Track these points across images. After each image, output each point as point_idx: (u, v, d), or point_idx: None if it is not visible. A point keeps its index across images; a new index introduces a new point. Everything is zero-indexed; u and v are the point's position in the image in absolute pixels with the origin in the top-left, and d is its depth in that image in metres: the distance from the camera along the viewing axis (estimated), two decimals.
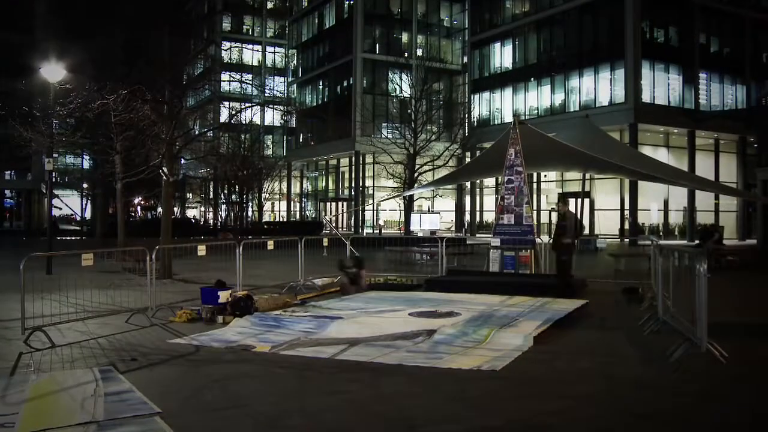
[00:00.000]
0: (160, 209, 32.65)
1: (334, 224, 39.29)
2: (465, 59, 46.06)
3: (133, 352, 6.44)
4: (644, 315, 8.37)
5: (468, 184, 40.03)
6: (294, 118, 43.06)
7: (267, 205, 51.98)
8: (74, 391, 5.13)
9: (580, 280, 11.84)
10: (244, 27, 59.02)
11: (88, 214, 37.09)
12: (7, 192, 50.00)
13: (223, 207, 48.09)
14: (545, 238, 16.99)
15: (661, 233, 32.17)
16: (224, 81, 24.01)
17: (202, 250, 10.21)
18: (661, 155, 31.56)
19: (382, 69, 45.10)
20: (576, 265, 14.85)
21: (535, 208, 31.59)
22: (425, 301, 10.00)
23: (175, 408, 4.68)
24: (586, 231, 27.64)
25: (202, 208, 57.98)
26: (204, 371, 5.78)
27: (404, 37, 47.01)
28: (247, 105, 22.83)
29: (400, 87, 41.00)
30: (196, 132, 20.38)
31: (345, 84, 46.61)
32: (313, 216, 51.40)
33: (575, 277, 12.06)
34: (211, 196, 50.90)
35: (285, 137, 55.71)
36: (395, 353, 6.44)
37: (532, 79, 37.75)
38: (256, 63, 57.30)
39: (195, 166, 42.27)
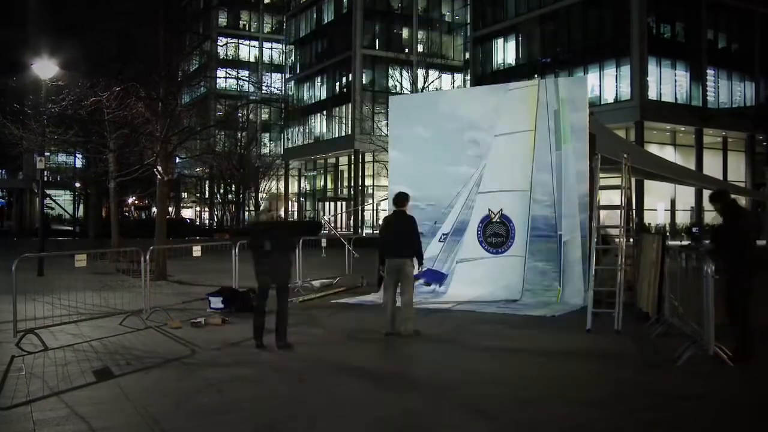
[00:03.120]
0: (154, 209, 32.47)
1: (333, 224, 39.01)
2: (467, 55, 45.74)
3: (127, 355, 6.34)
4: (651, 317, 8.21)
5: None
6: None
7: None
8: None
9: None
10: (241, 22, 58.61)
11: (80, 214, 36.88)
12: None
13: (219, 207, 47.78)
14: None
15: (668, 233, 31.94)
16: (220, 78, 23.78)
17: (197, 250, 10.05)
18: (668, 153, 31.25)
19: (381, 65, 44.69)
20: None
21: None
22: None
23: (170, 412, 4.59)
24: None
25: (198, 208, 57.68)
26: (200, 375, 5.71)
27: (405, 33, 46.62)
28: (243, 102, 22.57)
29: (401, 84, 40.63)
30: (192, 129, 20.16)
31: (344, 80, 46.31)
32: (312, 216, 51.06)
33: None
34: (207, 196, 50.68)
35: (283, 135, 55.40)
36: None
37: (536, 75, 37.44)
38: (252, 59, 56.94)
39: (190, 164, 42.03)
